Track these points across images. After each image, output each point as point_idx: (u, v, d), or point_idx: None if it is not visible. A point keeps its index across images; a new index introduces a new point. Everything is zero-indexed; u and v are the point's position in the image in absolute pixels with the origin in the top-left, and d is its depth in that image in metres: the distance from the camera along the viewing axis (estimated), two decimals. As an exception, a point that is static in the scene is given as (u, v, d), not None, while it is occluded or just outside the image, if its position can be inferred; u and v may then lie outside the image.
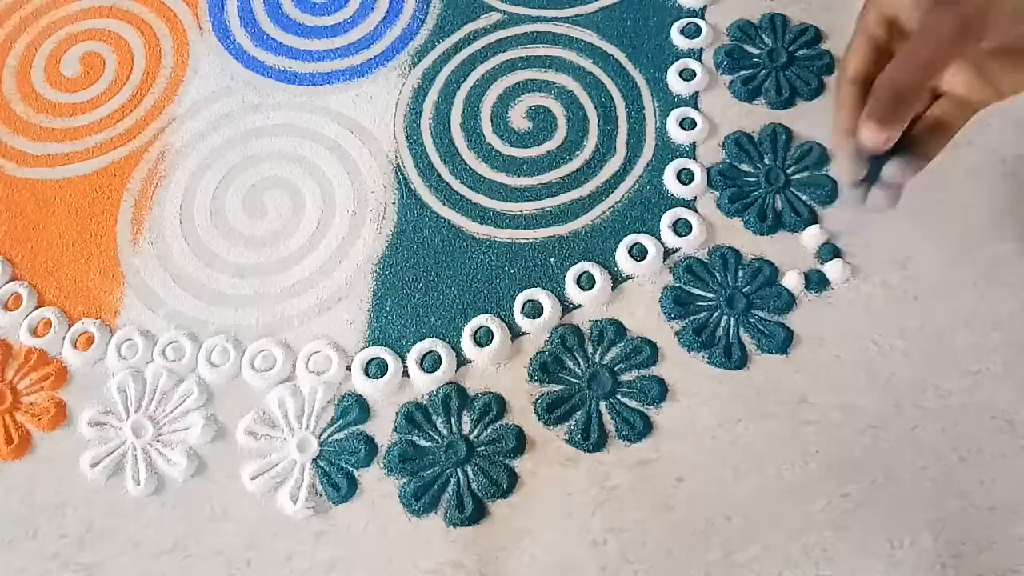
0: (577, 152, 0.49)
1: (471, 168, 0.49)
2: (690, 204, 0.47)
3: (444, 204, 0.48)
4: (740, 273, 0.44)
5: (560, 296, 0.45)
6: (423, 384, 0.43)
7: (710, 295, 0.44)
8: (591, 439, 0.41)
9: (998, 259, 0.43)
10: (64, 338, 0.46)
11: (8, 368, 0.46)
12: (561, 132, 0.50)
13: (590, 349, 0.43)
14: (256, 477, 0.42)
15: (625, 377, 0.42)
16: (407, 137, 0.51)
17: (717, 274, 0.44)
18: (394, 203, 0.49)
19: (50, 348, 0.46)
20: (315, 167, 0.50)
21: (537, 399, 0.42)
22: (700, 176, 0.47)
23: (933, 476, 0.39)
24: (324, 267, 0.47)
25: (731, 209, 0.46)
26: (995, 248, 0.43)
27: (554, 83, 0.51)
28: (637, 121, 0.50)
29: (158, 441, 0.43)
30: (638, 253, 0.45)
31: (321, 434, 0.42)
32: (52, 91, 0.55)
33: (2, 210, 0.51)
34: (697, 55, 0.51)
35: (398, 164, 0.50)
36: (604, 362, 0.43)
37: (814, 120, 0.48)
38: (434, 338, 0.44)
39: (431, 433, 0.42)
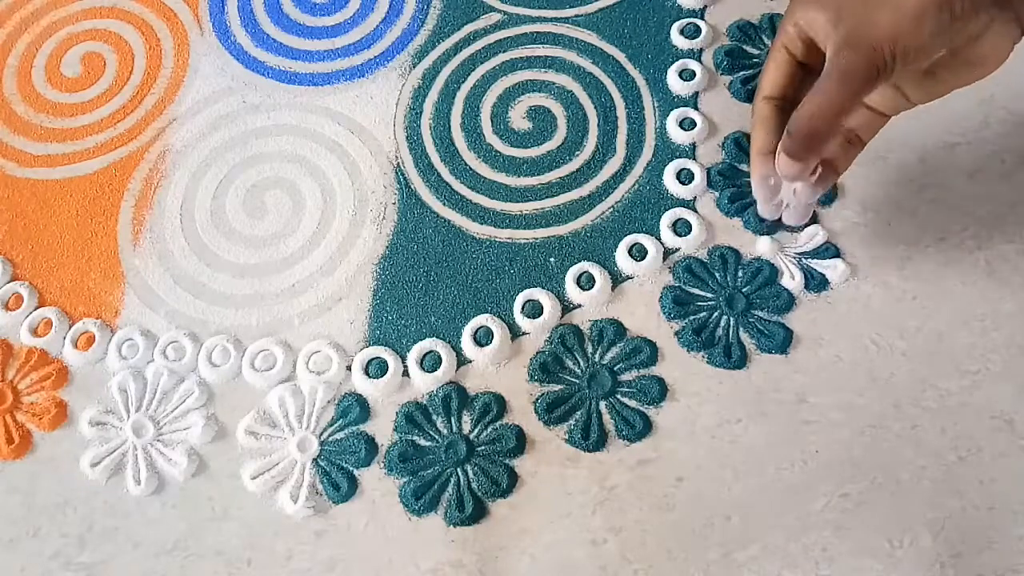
0: (577, 152, 0.49)
1: (471, 168, 0.49)
2: (690, 204, 0.47)
3: (444, 204, 0.48)
4: (740, 273, 0.44)
5: (560, 296, 0.45)
6: (423, 384, 0.43)
7: (710, 295, 0.44)
8: (591, 439, 0.41)
9: (998, 259, 0.43)
10: (65, 338, 0.46)
11: (9, 368, 0.46)
12: (561, 132, 0.50)
13: (590, 349, 0.43)
14: (256, 477, 0.42)
15: (625, 377, 0.42)
16: (407, 137, 0.51)
17: (717, 274, 0.44)
18: (394, 203, 0.49)
19: (51, 348, 0.46)
20: (315, 167, 0.50)
21: (537, 399, 0.42)
22: (700, 176, 0.47)
23: (932, 476, 0.39)
24: (324, 267, 0.47)
25: (731, 209, 0.46)
26: (995, 248, 0.43)
27: (554, 83, 0.51)
28: (637, 121, 0.50)
29: (159, 441, 0.43)
30: (638, 253, 0.45)
31: (321, 434, 0.43)
32: (53, 91, 0.55)
33: (3, 210, 0.51)
34: (697, 55, 0.51)
35: (398, 164, 0.50)
36: (604, 362, 0.43)
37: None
38: (434, 338, 0.44)
39: (431, 433, 0.42)
